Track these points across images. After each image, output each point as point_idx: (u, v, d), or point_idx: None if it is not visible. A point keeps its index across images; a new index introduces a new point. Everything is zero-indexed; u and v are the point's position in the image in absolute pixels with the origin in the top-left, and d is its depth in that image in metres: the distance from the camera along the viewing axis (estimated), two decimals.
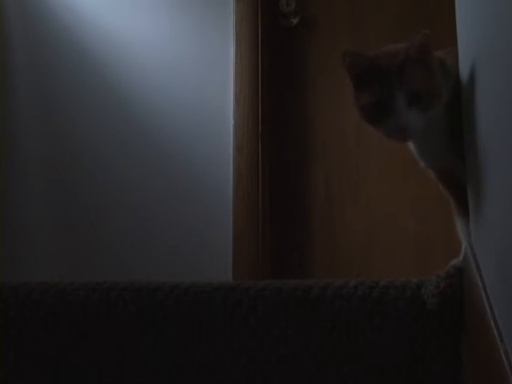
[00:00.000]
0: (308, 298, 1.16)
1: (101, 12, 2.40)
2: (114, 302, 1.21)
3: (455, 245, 1.17)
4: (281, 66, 2.43)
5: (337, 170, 2.36)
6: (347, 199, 2.33)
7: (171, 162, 2.33)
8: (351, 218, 2.32)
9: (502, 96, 0.73)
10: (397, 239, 2.27)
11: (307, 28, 2.43)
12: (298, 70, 2.42)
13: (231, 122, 2.32)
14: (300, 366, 1.14)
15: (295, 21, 2.42)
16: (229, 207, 2.27)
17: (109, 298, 1.22)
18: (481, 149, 0.92)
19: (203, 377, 1.16)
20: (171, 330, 1.19)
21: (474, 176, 0.99)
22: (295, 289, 1.18)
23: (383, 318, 1.12)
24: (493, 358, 0.76)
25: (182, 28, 2.39)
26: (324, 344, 1.14)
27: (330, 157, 2.37)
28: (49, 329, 1.22)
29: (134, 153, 2.34)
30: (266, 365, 1.15)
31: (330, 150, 2.37)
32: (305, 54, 2.43)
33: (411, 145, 1.14)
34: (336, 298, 1.15)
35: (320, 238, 2.33)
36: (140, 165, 2.33)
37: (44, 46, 2.39)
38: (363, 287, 1.15)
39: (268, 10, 2.41)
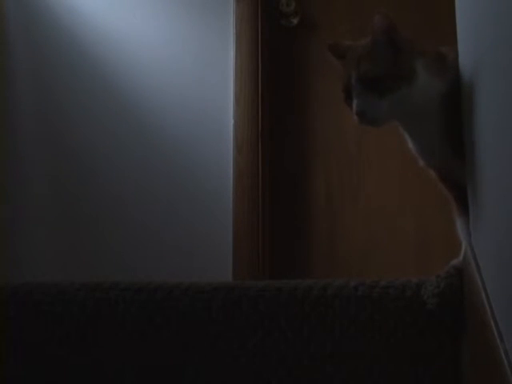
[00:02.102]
0: (308, 298, 1.16)
1: (100, 12, 2.40)
2: (113, 301, 1.21)
3: (455, 245, 1.17)
4: (281, 66, 2.43)
5: (337, 170, 2.36)
6: (347, 199, 2.33)
7: (171, 162, 2.33)
8: (351, 219, 2.32)
9: (503, 96, 0.73)
10: (397, 239, 2.27)
11: (307, 28, 2.43)
12: (298, 70, 2.42)
13: (231, 121, 2.32)
14: (300, 366, 1.14)
15: (295, 21, 2.42)
16: (229, 207, 2.27)
17: (109, 298, 1.22)
18: (481, 148, 0.92)
19: (203, 377, 1.16)
20: (171, 329, 1.19)
21: (474, 175, 0.99)
22: (295, 289, 1.18)
23: (383, 318, 1.12)
24: (493, 358, 0.76)
25: (182, 28, 2.39)
26: (324, 344, 1.14)
27: (330, 157, 2.37)
28: (49, 329, 1.22)
29: (133, 153, 2.34)
30: (266, 365, 1.15)
31: (330, 150, 2.37)
32: (305, 54, 2.43)
33: (410, 142, 1.14)
34: (336, 297, 1.15)
35: (320, 238, 2.33)
36: (140, 165, 2.33)
37: (44, 46, 2.39)
38: (363, 287, 1.15)
39: (268, 10, 2.41)
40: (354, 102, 1.06)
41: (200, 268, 2.21)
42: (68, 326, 1.22)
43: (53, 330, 1.22)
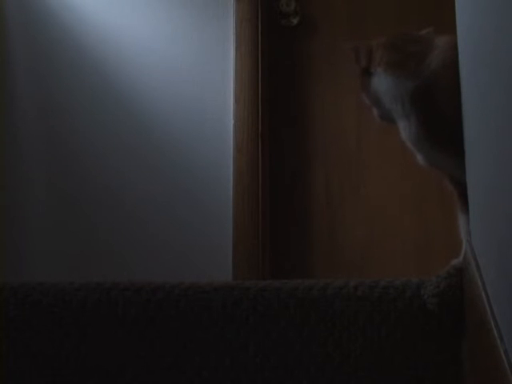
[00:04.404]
0: (308, 298, 1.16)
1: (100, 12, 2.40)
2: (113, 301, 1.21)
3: (456, 245, 1.17)
4: (281, 66, 2.43)
5: (337, 169, 2.36)
6: (347, 199, 2.33)
7: (171, 162, 2.33)
8: (351, 218, 2.32)
9: (503, 95, 0.73)
10: (397, 239, 2.27)
11: (307, 28, 2.43)
12: (298, 70, 2.42)
13: (231, 121, 2.32)
14: (300, 366, 1.14)
15: (295, 21, 2.42)
16: (229, 207, 2.27)
17: (109, 298, 1.22)
18: (481, 147, 0.92)
19: (203, 377, 1.16)
20: (171, 330, 1.19)
21: (474, 174, 0.99)
22: (295, 289, 1.18)
23: (383, 318, 1.12)
24: (493, 357, 0.76)
25: (182, 28, 2.39)
26: (324, 344, 1.14)
27: (330, 157, 2.37)
28: (49, 329, 1.22)
29: (134, 153, 2.34)
30: (267, 365, 1.15)
31: (330, 149, 2.37)
32: (305, 54, 2.43)
33: None
34: (336, 297, 1.15)
35: (320, 238, 2.33)
36: (140, 165, 2.33)
37: (44, 46, 2.39)
38: (363, 287, 1.15)
39: (268, 10, 2.41)
40: None
41: (200, 268, 2.21)
42: (68, 326, 1.22)
43: (52, 330, 1.22)
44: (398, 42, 1.19)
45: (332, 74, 2.37)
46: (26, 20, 2.38)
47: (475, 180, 0.99)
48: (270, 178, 2.35)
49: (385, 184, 2.30)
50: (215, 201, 2.30)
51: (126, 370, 1.19)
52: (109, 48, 2.39)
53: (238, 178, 2.29)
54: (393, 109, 1.15)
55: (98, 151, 2.35)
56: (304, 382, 1.14)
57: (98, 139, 2.36)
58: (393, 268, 2.20)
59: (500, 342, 0.75)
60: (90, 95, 2.37)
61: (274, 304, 1.17)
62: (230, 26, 2.37)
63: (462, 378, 1.08)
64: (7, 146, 2.29)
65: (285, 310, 1.16)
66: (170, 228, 2.29)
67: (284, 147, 2.39)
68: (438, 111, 1.11)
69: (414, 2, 2.38)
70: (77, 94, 2.38)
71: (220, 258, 2.25)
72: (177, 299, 1.20)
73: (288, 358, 1.14)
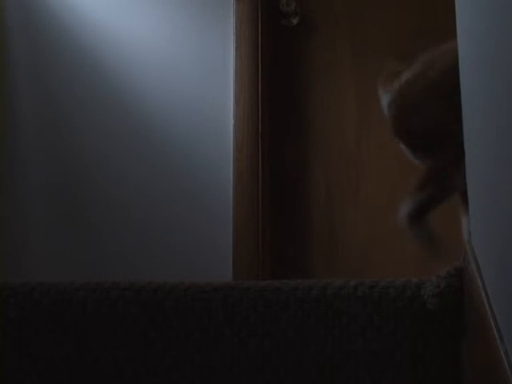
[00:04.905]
0: (308, 298, 1.16)
1: (101, 12, 2.40)
2: (114, 301, 1.21)
3: (456, 244, 1.17)
4: (281, 67, 2.43)
5: (337, 169, 2.36)
6: (347, 199, 2.33)
7: (171, 162, 2.33)
8: (351, 218, 2.32)
9: (503, 95, 0.73)
10: (397, 239, 2.27)
11: (307, 28, 2.43)
12: (298, 70, 2.42)
13: (231, 121, 2.32)
14: (300, 367, 1.14)
15: (295, 21, 2.42)
16: (229, 207, 2.27)
17: (109, 298, 1.22)
18: (481, 146, 0.92)
19: (203, 377, 1.16)
20: (171, 329, 1.19)
21: (474, 174, 0.99)
22: (295, 289, 1.18)
23: (383, 318, 1.12)
24: (493, 357, 0.76)
25: (182, 28, 2.39)
26: (324, 344, 1.14)
27: (330, 157, 2.37)
28: (49, 329, 1.22)
29: (134, 153, 2.34)
30: (266, 365, 1.15)
31: (330, 149, 2.37)
32: (305, 54, 2.43)
33: None
34: (336, 297, 1.15)
35: (320, 238, 2.33)
36: (140, 165, 2.33)
37: (44, 46, 2.39)
38: (363, 287, 1.15)
39: (268, 10, 2.41)
40: None
41: (200, 268, 2.21)
42: (68, 326, 1.22)
43: (53, 330, 1.22)
44: (395, 63, 1.34)
45: (332, 73, 2.37)
46: (26, 20, 2.38)
47: (475, 180, 0.99)
48: (270, 178, 2.35)
49: (385, 183, 2.30)
50: (215, 201, 2.30)
51: (126, 370, 1.19)
52: (109, 48, 2.39)
53: (238, 178, 2.29)
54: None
55: (97, 151, 2.35)
56: (304, 381, 1.14)
57: (98, 139, 2.36)
58: (393, 268, 2.20)
59: (500, 342, 0.75)
60: (90, 95, 2.37)
61: (274, 304, 1.17)
62: (230, 26, 2.37)
63: (462, 379, 1.08)
64: (7, 146, 2.29)
65: (285, 310, 1.16)
66: (169, 228, 2.29)
67: (284, 147, 2.39)
68: (405, 124, 1.25)
69: (414, 2, 2.38)
70: (77, 95, 2.38)
71: (220, 258, 2.25)
72: (177, 299, 1.20)
73: (288, 357, 1.14)
